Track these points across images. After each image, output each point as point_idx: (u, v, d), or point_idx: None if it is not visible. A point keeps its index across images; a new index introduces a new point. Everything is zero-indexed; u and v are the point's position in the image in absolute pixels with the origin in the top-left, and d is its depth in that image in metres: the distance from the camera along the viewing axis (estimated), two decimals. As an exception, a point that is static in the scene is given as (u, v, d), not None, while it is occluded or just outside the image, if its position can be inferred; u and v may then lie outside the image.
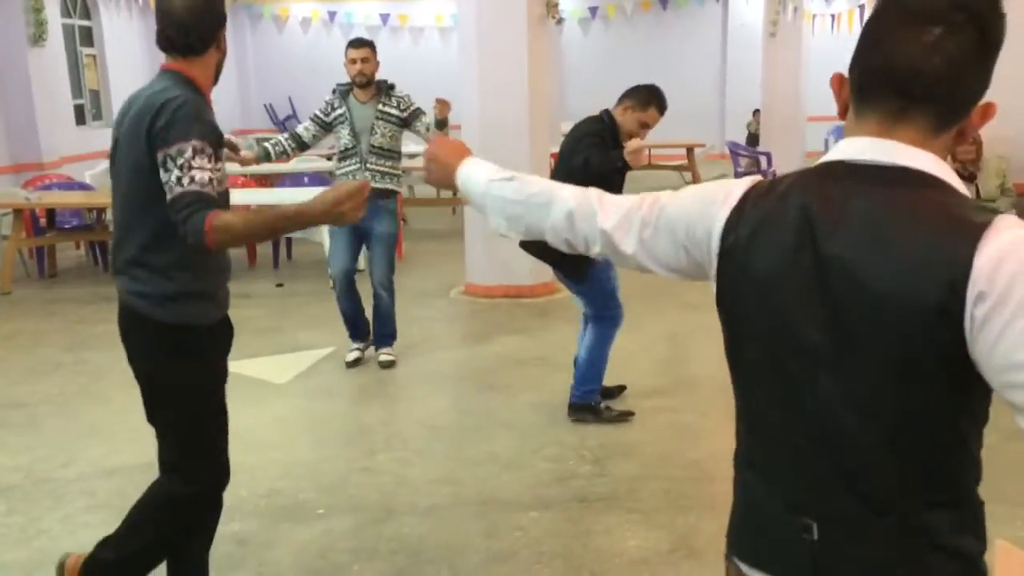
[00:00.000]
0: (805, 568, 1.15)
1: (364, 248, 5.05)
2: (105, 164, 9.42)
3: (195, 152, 2.08)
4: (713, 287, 1.22)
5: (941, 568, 1.10)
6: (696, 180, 12.10)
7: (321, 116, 4.89)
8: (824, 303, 1.07)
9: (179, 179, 2.07)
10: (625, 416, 4.17)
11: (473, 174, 1.49)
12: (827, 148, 16.26)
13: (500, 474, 3.67)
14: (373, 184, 4.45)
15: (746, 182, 1.20)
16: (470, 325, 6.18)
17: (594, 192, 1.36)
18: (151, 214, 2.19)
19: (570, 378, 4.22)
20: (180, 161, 2.07)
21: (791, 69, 12.66)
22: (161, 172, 2.10)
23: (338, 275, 4.97)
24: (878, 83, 1.09)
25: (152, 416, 2.43)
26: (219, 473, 2.47)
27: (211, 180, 2.10)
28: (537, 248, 3.76)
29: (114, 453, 3.91)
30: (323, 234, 7.22)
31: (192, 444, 2.40)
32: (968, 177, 6.11)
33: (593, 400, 4.16)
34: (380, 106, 4.83)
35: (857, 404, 1.07)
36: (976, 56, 1.05)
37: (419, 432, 4.13)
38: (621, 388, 4.47)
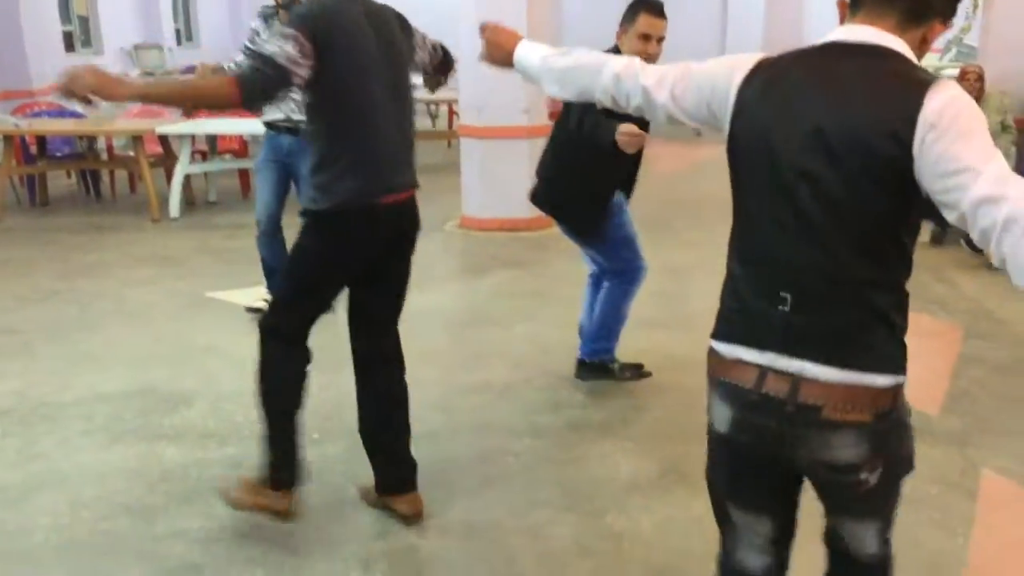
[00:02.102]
0: (776, 333, 1.51)
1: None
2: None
3: None
4: (726, 131, 1.58)
5: (878, 333, 1.48)
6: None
7: (249, 47, 4.33)
8: (815, 138, 1.43)
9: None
10: (642, 374, 3.84)
11: (529, 51, 1.87)
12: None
13: (494, 402, 3.70)
14: (295, 116, 4.25)
15: (759, 55, 1.57)
16: (465, 258, 6.16)
17: (637, 60, 1.74)
18: None
19: (565, 310, 4.21)
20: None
21: (792, 5, 12.44)
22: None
23: (261, 217, 4.53)
24: None
25: None
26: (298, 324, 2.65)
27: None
28: (547, 202, 3.68)
29: (109, 379, 3.92)
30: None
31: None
32: (969, 113, 6.05)
33: (607, 359, 3.78)
34: None
35: (831, 210, 1.44)
36: None
37: (413, 361, 4.10)
38: (638, 367, 3.89)
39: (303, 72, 2.36)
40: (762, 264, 1.55)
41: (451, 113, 10.94)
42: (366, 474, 2.85)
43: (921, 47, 1.49)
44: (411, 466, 2.80)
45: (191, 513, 2.84)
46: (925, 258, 5.83)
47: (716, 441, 1.66)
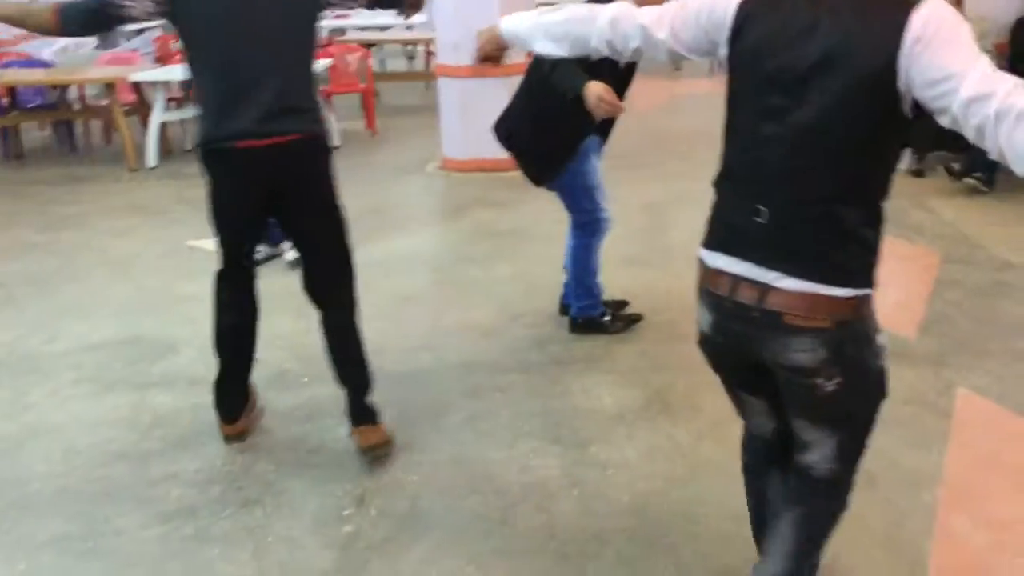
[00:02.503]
0: (753, 244, 1.64)
1: None
2: (64, 42, 9.03)
3: None
4: (724, 53, 1.68)
5: (849, 249, 1.59)
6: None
7: None
8: (808, 57, 1.52)
9: None
10: (634, 321, 3.81)
11: (516, 19, 1.96)
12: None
13: (479, 340, 3.74)
14: None
15: None
16: (446, 199, 6.15)
17: (627, 3, 1.82)
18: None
19: (547, 248, 4.22)
20: None
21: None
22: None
23: None
24: None
25: None
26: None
27: None
28: (509, 141, 3.51)
29: (96, 329, 3.93)
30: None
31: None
32: (948, 38, 6.02)
33: (596, 313, 3.73)
34: None
35: (817, 127, 1.54)
36: None
37: (397, 303, 4.17)
38: (622, 304, 3.90)
39: (138, 9, 2.49)
40: (744, 178, 1.68)
41: (428, 53, 10.79)
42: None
43: None
44: (362, 401, 2.89)
45: (185, 457, 2.89)
46: (905, 187, 5.87)
47: (703, 340, 1.85)
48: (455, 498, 2.65)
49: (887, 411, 3.15)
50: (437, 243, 5.19)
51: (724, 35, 1.66)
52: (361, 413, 2.88)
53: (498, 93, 6.44)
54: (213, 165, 2.68)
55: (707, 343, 1.83)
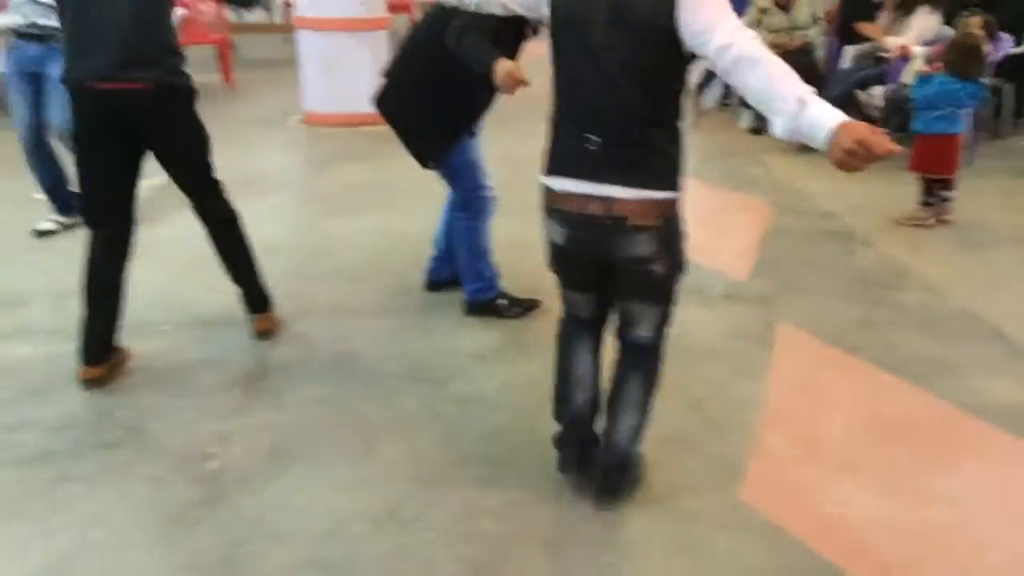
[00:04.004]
0: (588, 164, 2.05)
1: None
2: None
3: None
4: (546, 13, 2.07)
5: (660, 160, 2.05)
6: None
7: None
8: (610, 13, 1.94)
9: None
10: (532, 305, 3.57)
11: None
12: None
13: (346, 287, 3.84)
14: (40, 22, 4.05)
15: None
16: (309, 153, 6.13)
17: None
18: None
19: (411, 199, 4.28)
20: None
21: None
22: None
23: (21, 132, 4.30)
24: None
25: None
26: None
27: None
28: (394, 115, 3.31)
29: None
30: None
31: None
32: (783, 6, 6.45)
33: (491, 296, 3.53)
34: None
35: (625, 68, 1.97)
36: None
37: (262, 255, 4.16)
38: (525, 302, 3.59)
39: None
40: (576, 113, 2.08)
41: (286, 4, 10.54)
42: (222, 359, 2.94)
43: None
44: (253, 293, 3.31)
45: (41, 403, 2.87)
46: (744, 144, 6.30)
47: (554, 249, 2.27)
48: (320, 433, 2.76)
49: (718, 344, 3.48)
50: (302, 195, 5.20)
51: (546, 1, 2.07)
52: (256, 302, 3.31)
53: (360, 46, 6.45)
54: (72, 101, 2.78)
55: (560, 252, 2.25)
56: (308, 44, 6.61)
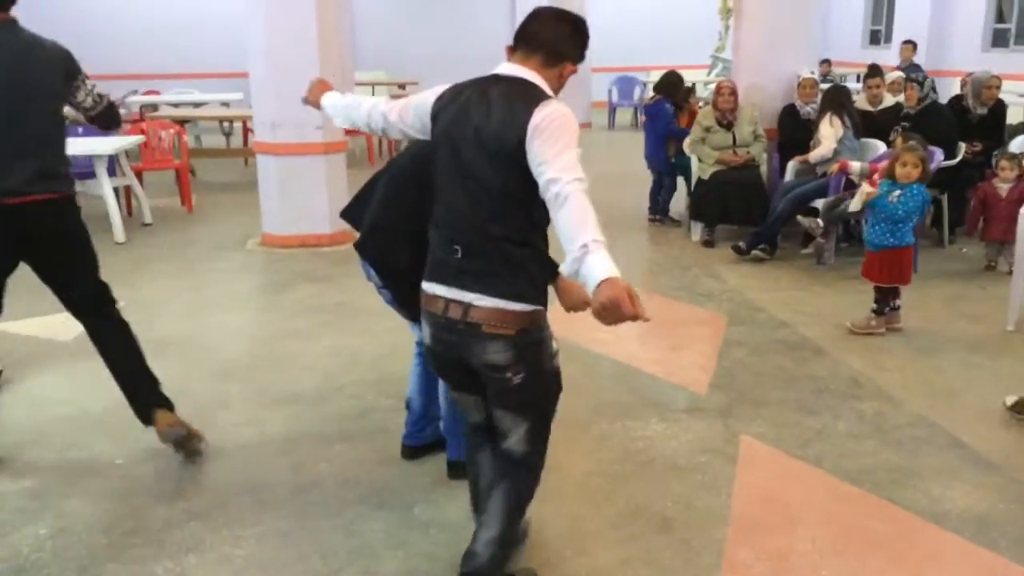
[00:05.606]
0: (453, 274, 2.20)
1: None
2: None
3: None
4: (432, 133, 2.32)
5: (518, 274, 2.16)
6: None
7: None
8: (474, 136, 2.15)
9: None
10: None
11: (331, 97, 2.75)
12: (610, 98, 16.58)
13: (304, 412, 3.79)
14: None
15: (448, 86, 2.31)
16: (267, 275, 6.14)
17: (383, 99, 2.56)
18: None
19: (369, 319, 4.28)
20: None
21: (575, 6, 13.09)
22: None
23: None
24: (520, 40, 2.26)
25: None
26: None
27: None
28: (384, 262, 2.83)
29: None
30: (103, 186, 6.86)
31: None
32: (726, 125, 6.76)
33: None
34: None
35: (482, 187, 2.15)
36: (569, 35, 2.25)
37: (217, 379, 4.14)
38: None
39: None
40: (445, 224, 2.25)
41: (246, 130, 10.75)
42: (178, 491, 2.85)
43: (559, 80, 2.26)
44: (151, 392, 3.35)
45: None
46: (697, 257, 6.46)
47: (427, 350, 2.40)
48: (280, 568, 2.67)
49: (681, 460, 3.48)
50: (259, 318, 5.18)
51: (428, 119, 2.32)
52: (158, 400, 3.31)
53: (316, 170, 6.58)
54: None
55: (430, 352, 2.39)
56: (266, 167, 6.72)
